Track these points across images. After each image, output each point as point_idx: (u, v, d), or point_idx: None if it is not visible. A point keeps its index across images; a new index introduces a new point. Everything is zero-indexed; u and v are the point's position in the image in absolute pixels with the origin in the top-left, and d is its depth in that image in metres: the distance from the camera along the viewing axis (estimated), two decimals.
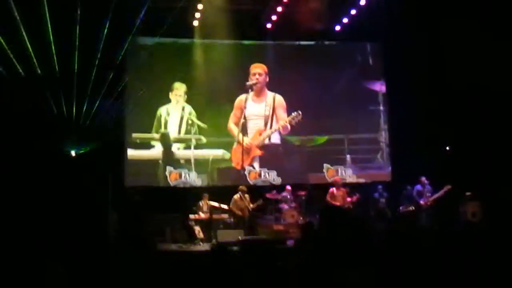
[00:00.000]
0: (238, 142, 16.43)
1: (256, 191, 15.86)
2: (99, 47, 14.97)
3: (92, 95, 15.11)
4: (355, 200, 15.49)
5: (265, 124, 16.93)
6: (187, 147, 16.60)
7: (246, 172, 16.64)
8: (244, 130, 16.50)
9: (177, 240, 14.30)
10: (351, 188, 16.06)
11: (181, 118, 16.66)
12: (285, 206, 15.63)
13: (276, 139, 17.02)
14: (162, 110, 16.59)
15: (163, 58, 16.62)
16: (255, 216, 15.48)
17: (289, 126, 16.64)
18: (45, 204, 13.22)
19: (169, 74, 16.69)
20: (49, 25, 14.43)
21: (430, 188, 15.33)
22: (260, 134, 16.86)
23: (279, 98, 17.02)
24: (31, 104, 14.41)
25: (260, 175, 16.83)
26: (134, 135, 16.27)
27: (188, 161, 16.54)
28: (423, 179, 15.40)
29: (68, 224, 12.98)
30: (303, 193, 16.15)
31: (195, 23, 16.24)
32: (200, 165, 16.58)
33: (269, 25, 16.78)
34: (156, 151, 16.48)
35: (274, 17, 16.44)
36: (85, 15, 14.46)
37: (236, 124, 16.59)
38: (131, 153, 16.19)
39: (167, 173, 16.35)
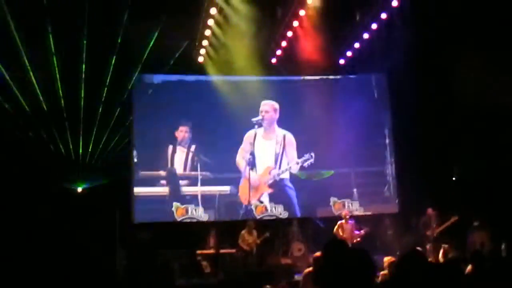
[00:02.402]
0: (246, 178, 16.45)
1: (263, 225, 15.88)
2: (105, 84, 15.10)
3: (99, 132, 15.21)
4: (363, 233, 15.46)
5: (275, 162, 16.96)
6: (194, 183, 16.56)
7: (252, 207, 16.61)
8: (252, 166, 16.51)
9: (185, 275, 14.28)
10: (359, 221, 16.03)
11: (187, 155, 16.64)
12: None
13: (284, 174, 17.03)
14: (169, 148, 16.59)
15: (169, 95, 16.64)
16: (263, 249, 15.47)
17: (299, 167, 16.73)
18: (52, 242, 13.24)
19: (175, 111, 16.69)
20: (56, 62, 14.59)
21: (436, 219, 15.30)
22: (270, 173, 16.89)
23: (289, 136, 17.04)
24: (37, 140, 14.50)
25: (266, 209, 16.80)
26: (142, 172, 16.25)
27: (195, 197, 16.47)
28: (430, 209, 15.38)
29: (76, 262, 13.01)
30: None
31: (200, 59, 16.33)
32: (207, 201, 16.51)
33: (274, 60, 16.85)
34: (163, 188, 16.47)
35: (279, 52, 16.50)
36: (92, 52, 14.61)
37: (244, 158, 16.60)
38: (138, 190, 16.15)
39: (173, 208, 16.31)
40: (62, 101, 14.93)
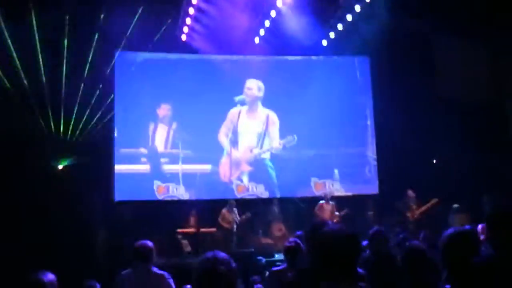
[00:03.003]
0: (227, 155, 16.44)
1: (244, 204, 15.91)
2: (87, 61, 15.00)
3: (80, 109, 15.12)
4: (343, 214, 15.54)
5: (257, 141, 16.99)
6: (175, 161, 16.53)
7: (233, 186, 16.64)
8: (234, 144, 16.57)
9: (165, 254, 14.29)
10: (340, 202, 16.11)
11: (168, 133, 16.60)
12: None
13: (265, 154, 17.07)
14: (150, 125, 16.56)
15: (151, 73, 16.60)
16: (243, 229, 15.52)
17: (281, 147, 16.77)
18: (32, 219, 13.18)
19: (157, 89, 16.60)
20: (37, 39, 14.45)
21: (416, 201, 15.40)
22: (251, 151, 16.90)
23: (272, 116, 17.11)
24: (18, 118, 14.39)
25: (247, 189, 16.83)
26: (122, 150, 16.20)
27: (175, 175, 16.46)
28: (410, 192, 15.48)
29: (56, 240, 12.98)
30: None
31: (183, 37, 16.25)
32: (188, 179, 16.50)
33: (257, 40, 16.80)
34: (144, 166, 16.44)
35: (262, 32, 16.46)
36: (74, 29, 14.49)
37: (227, 135, 16.63)
38: (119, 167, 16.12)
39: (154, 187, 16.31)
40: (44, 78, 14.81)
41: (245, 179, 16.89)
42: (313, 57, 17.84)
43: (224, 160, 16.62)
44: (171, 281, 6.41)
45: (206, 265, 3.28)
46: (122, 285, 6.42)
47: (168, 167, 16.53)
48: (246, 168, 16.85)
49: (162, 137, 16.60)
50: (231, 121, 16.78)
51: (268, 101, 17.15)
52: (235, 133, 16.66)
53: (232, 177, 16.47)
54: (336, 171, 17.33)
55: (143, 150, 16.45)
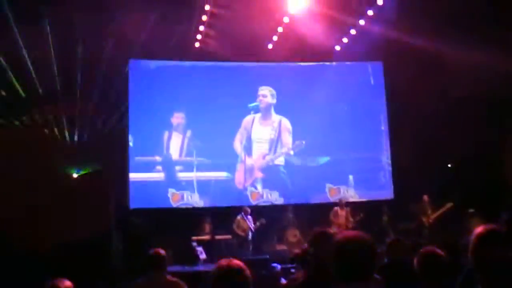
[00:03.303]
0: (241, 163, 16.43)
1: (258, 212, 15.90)
2: (100, 69, 15.05)
3: (94, 116, 15.16)
4: (358, 219, 15.51)
5: (270, 148, 17.00)
6: (190, 169, 16.55)
7: (247, 193, 16.63)
8: (248, 151, 16.61)
9: (180, 261, 14.29)
10: (355, 207, 16.08)
11: (183, 141, 16.63)
12: None
13: (279, 160, 17.07)
14: (165, 134, 16.60)
15: (165, 81, 16.67)
16: (258, 236, 15.51)
17: (291, 153, 16.76)
18: (48, 227, 13.22)
19: (171, 97, 16.68)
20: (52, 47, 14.50)
21: (432, 206, 15.35)
22: (264, 158, 16.91)
23: (285, 122, 17.13)
24: (32, 126, 14.45)
25: (262, 195, 16.83)
26: (137, 158, 16.25)
27: (190, 182, 16.48)
28: (425, 197, 15.43)
29: (72, 248, 13.00)
30: None
31: (197, 44, 16.26)
32: (203, 186, 16.53)
33: (270, 46, 16.79)
34: (159, 174, 16.47)
35: (275, 38, 16.44)
36: (87, 37, 14.54)
37: (241, 143, 16.67)
38: (134, 175, 16.16)
39: (169, 194, 16.33)
40: (58, 85, 14.86)
41: (259, 186, 16.90)
42: (327, 63, 17.81)
43: (239, 167, 16.63)
44: None
45: (221, 272, 3.28)
46: None
47: (182, 175, 16.55)
48: (259, 174, 16.86)
49: (177, 145, 16.63)
50: (245, 128, 16.83)
51: (281, 108, 17.17)
52: (248, 140, 16.70)
53: (246, 184, 16.46)
54: (350, 177, 17.31)
55: (157, 158, 16.47)
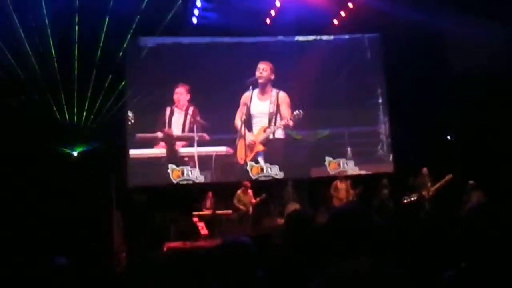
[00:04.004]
0: (241, 138, 16.49)
1: (259, 186, 15.96)
2: (98, 47, 14.99)
3: (93, 95, 15.13)
4: (358, 192, 15.58)
5: (269, 121, 17.06)
6: (191, 144, 16.60)
7: (248, 168, 16.65)
8: (248, 126, 16.64)
9: (181, 237, 14.35)
10: (355, 181, 16.14)
11: (185, 117, 16.70)
12: None
13: (279, 134, 17.14)
14: (166, 110, 16.66)
15: (164, 58, 16.65)
16: (259, 211, 15.57)
17: (291, 124, 16.75)
18: (48, 206, 13.24)
19: (172, 74, 16.70)
20: (48, 26, 14.43)
21: (431, 178, 15.38)
22: (264, 131, 16.97)
23: (283, 95, 17.12)
24: (32, 106, 14.42)
25: (262, 169, 16.90)
26: (138, 135, 16.34)
27: (191, 158, 16.57)
28: (425, 169, 15.46)
29: (72, 226, 13.04)
30: None
31: (194, 20, 16.20)
32: (204, 162, 16.62)
33: (268, 21, 16.73)
34: (160, 150, 16.56)
35: (273, 12, 16.38)
36: (84, 16, 14.47)
37: (241, 119, 16.64)
38: (134, 152, 16.26)
39: (169, 170, 16.40)
40: (56, 65, 14.81)
41: (261, 160, 17.00)
42: (324, 37, 17.83)
43: (240, 142, 16.62)
44: None
45: (227, 251, 3.28)
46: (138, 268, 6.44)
47: (184, 150, 16.67)
48: (261, 148, 16.94)
49: (179, 122, 16.71)
50: (245, 104, 16.85)
51: (279, 82, 17.14)
52: (248, 115, 16.70)
53: (247, 159, 16.47)
54: (349, 149, 17.33)
55: (159, 135, 16.54)
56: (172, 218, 15.01)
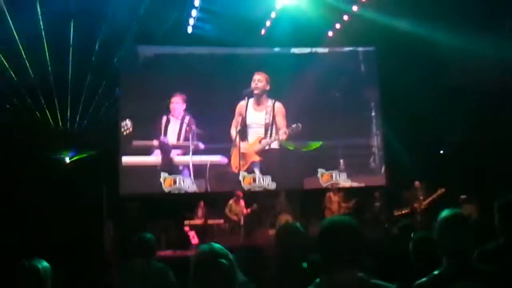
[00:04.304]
0: (236, 147, 16.51)
1: (251, 196, 15.95)
2: (93, 54, 14.98)
3: (87, 101, 15.11)
4: (351, 205, 15.58)
5: (265, 132, 17.10)
6: (186, 153, 16.60)
7: (240, 178, 16.66)
8: (243, 136, 16.69)
9: (172, 246, 14.32)
10: (348, 193, 16.16)
11: (181, 126, 16.71)
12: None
13: (274, 144, 17.15)
14: (162, 119, 16.66)
15: (161, 67, 16.67)
16: (250, 221, 15.55)
17: (287, 136, 16.82)
18: (39, 212, 13.19)
19: (168, 84, 16.71)
20: (43, 30, 14.41)
21: (423, 191, 15.37)
22: (260, 142, 17.01)
23: (279, 105, 17.17)
24: (25, 112, 14.40)
25: (254, 180, 16.88)
26: (135, 142, 16.31)
27: (186, 166, 16.56)
28: (417, 183, 15.47)
29: (63, 233, 12.98)
30: None
31: (189, 29, 16.21)
32: (198, 170, 16.61)
33: (263, 31, 16.76)
34: (155, 158, 16.54)
35: (268, 23, 16.40)
36: (80, 24, 14.46)
37: (236, 128, 16.70)
38: (129, 160, 16.24)
39: (161, 179, 16.36)
40: (50, 70, 14.79)
41: (256, 170, 17.03)
42: (319, 50, 17.88)
43: (234, 153, 16.67)
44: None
45: (203, 257, 3.25)
46: (125, 278, 6.40)
47: (179, 159, 16.66)
48: (257, 159, 16.96)
49: (175, 130, 16.73)
50: (240, 114, 16.90)
51: (274, 93, 17.17)
52: (243, 125, 16.74)
53: (242, 169, 16.58)
54: (341, 161, 17.36)
55: (155, 142, 16.56)
56: (164, 227, 14.98)
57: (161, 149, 16.56)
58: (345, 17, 16.34)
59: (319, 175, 17.27)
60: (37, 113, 14.76)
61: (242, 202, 15.51)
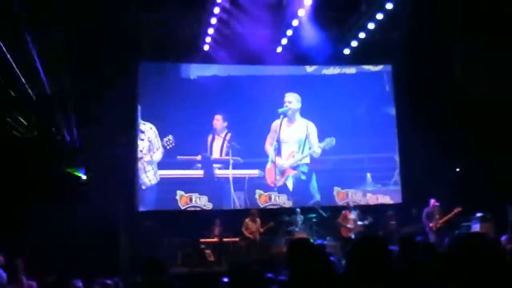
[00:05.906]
0: (272, 162, 17.00)
1: (267, 214, 15.99)
2: (112, 71, 15.08)
3: (106, 119, 15.16)
4: (367, 223, 15.57)
5: (299, 147, 17.53)
6: (226, 167, 16.98)
7: (256, 196, 16.75)
8: (278, 151, 17.31)
9: (188, 263, 14.36)
10: (363, 210, 16.14)
11: (223, 142, 17.15)
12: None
13: (306, 159, 17.56)
14: (208, 136, 17.16)
15: (201, 88, 17.29)
16: (266, 239, 15.57)
17: (319, 151, 17.33)
18: (56, 228, 13.26)
19: (208, 104, 17.24)
20: (62, 46, 14.50)
21: (439, 210, 15.31)
22: (293, 156, 17.39)
23: (311, 126, 17.61)
24: (43, 128, 14.47)
25: (270, 198, 16.95)
26: (179, 157, 16.68)
27: (226, 179, 16.93)
28: (433, 201, 15.41)
29: (80, 249, 13.06)
30: None
31: (206, 47, 16.30)
32: (238, 182, 17.02)
33: (279, 49, 16.82)
34: (197, 171, 16.91)
35: (284, 41, 16.45)
36: (101, 37, 14.59)
37: (271, 145, 17.25)
38: (171, 173, 16.74)
39: (177, 197, 16.43)
40: (69, 88, 14.87)
41: (289, 183, 17.34)
42: (347, 71, 18.25)
43: (270, 167, 17.20)
44: None
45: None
46: None
47: (220, 172, 17.08)
48: (291, 172, 17.36)
49: (217, 146, 17.25)
50: (275, 131, 17.40)
51: (307, 112, 17.62)
52: (278, 141, 17.24)
53: (278, 183, 17.13)
54: (359, 180, 17.40)
55: (198, 157, 17.02)
56: (180, 243, 15.03)
57: (203, 163, 16.98)
58: (361, 35, 16.30)
59: (335, 193, 17.30)
60: (55, 130, 14.81)
61: (258, 220, 15.55)
